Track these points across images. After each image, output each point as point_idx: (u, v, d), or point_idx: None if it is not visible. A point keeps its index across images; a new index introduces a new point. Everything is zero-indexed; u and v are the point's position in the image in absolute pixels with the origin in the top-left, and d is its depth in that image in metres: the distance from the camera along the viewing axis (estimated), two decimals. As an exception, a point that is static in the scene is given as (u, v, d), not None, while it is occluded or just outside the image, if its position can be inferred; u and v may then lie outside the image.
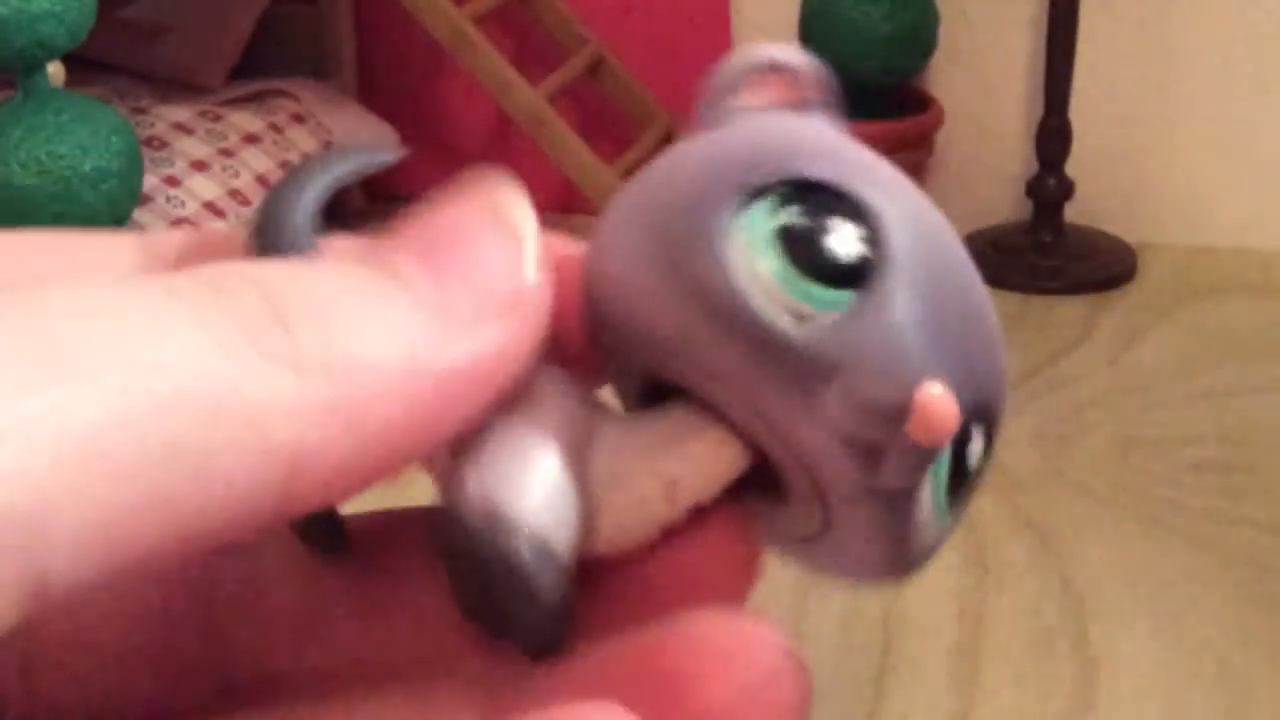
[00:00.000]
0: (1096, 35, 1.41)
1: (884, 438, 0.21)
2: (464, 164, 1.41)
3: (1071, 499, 1.02)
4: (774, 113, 0.24)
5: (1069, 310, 1.31)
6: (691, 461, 0.22)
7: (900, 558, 0.23)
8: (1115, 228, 1.44)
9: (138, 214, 1.26)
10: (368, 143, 0.27)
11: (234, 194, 1.37)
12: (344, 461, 0.19)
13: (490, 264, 0.21)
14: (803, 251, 0.21)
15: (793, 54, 0.23)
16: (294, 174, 0.24)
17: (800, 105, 0.24)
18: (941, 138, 1.46)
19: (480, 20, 1.35)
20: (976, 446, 0.23)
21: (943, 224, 0.24)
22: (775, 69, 0.24)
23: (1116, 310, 1.31)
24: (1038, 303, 1.33)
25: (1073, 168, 1.40)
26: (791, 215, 0.21)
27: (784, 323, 0.21)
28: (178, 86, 1.50)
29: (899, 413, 0.21)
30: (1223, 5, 1.40)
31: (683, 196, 0.22)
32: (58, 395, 0.17)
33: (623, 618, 0.22)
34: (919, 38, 1.39)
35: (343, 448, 0.19)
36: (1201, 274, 1.38)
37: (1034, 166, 1.41)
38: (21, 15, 1.11)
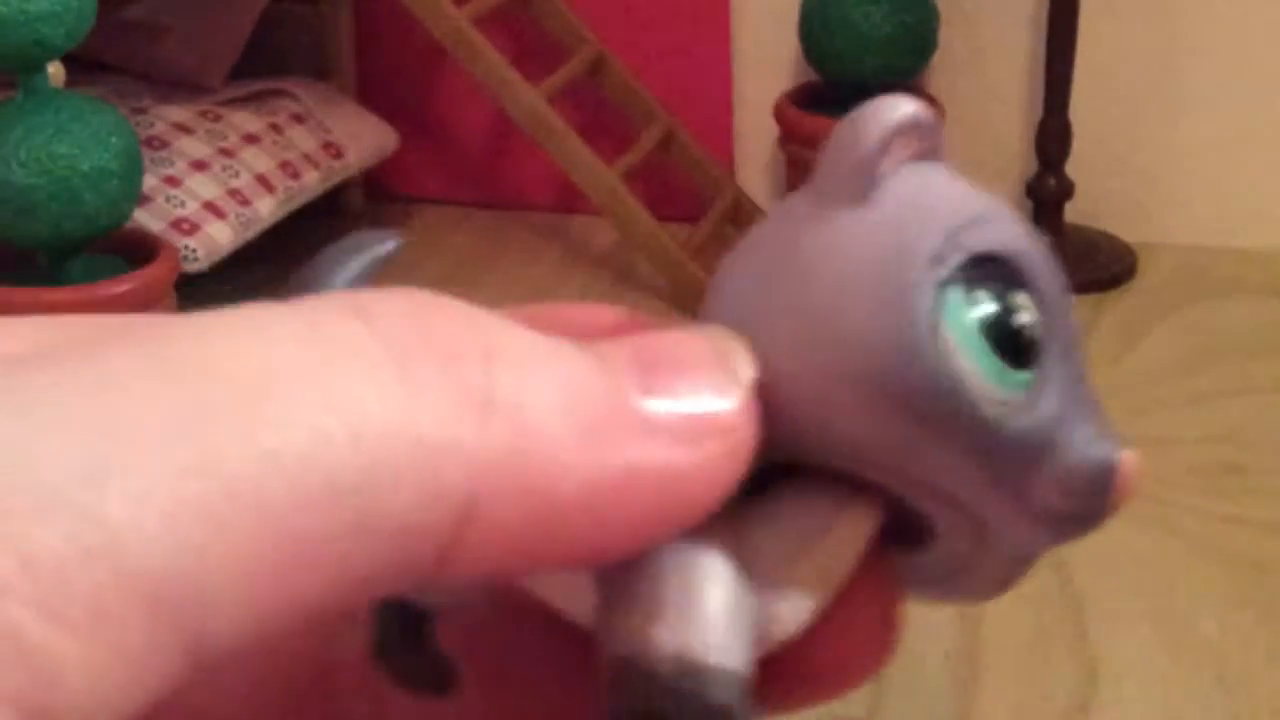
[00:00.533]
0: (1097, 36, 1.41)
1: (1087, 507, 0.21)
2: (464, 164, 1.40)
3: (1071, 499, 1.02)
4: (915, 172, 0.23)
5: (1069, 310, 1.31)
6: (844, 545, 0.22)
7: (1011, 584, 0.23)
8: (1115, 228, 1.44)
9: (138, 214, 1.26)
10: (368, 237, 0.26)
11: (234, 193, 1.37)
12: (510, 526, 0.18)
13: (703, 389, 0.19)
14: (1007, 343, 0.21)
15: (923, 107, 0.22)
16: (312, 272, 0.23)
17: (928, 156, 0.23)
18: (942, 138, 1.46)
19: (480, 20, 1.35)
20: None
21: (1045, 251, 0.23)
22: (916, 126, 0.23)
23: (1117, 310, 1.31)
24: (1038, 303, 1.33)
25: (1073, 168, 1.40)
26: (983, 302, 0.21)
27: (996, 414, 0.20)
28: (178, 86, 1.50)
29: (1107, 483, 0.21)
30: (1223, 6, 1.40)
31: (869, 296, 0.20)
32: (210, 444, 0.16)
33: (783, 696, 0.22)
34: (919, 38, 1.39)
35: (512, 509, 0.18)
36: (1201, 274, 1.38)
37: (1034, 166, 1.41)
38: (22, 15, 1.11)
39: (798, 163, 1.43)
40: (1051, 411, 0.21)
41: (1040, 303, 0.21)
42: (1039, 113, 1.40)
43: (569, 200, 1.50)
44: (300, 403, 0.17)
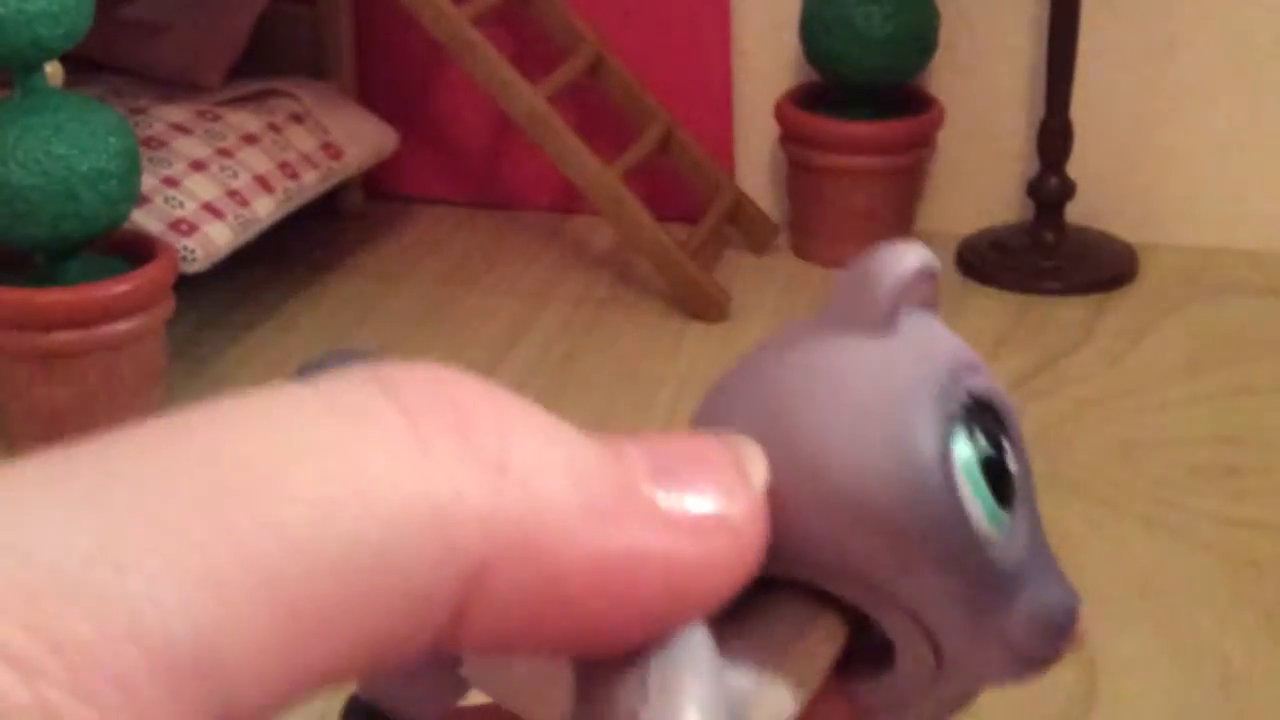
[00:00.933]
0: (1098, 36, 1.40)
1: (1047, 648, 0.22)
2: (463, 164, 1.40)
3: (1072, 499, 1.02)
4: (920, 317, 0.24)
5: (1070, 311, 1.31)
6: (815, 658, 0.22)
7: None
8: (1116, 228, 1.44)
9: (136, 214, 1.26)
10: (356, 350, 0.26)
11: (233, 194, 1.36)
12: (519, 592, 0.18)
13: (715, 488, 0.20)
14: (1002, 483, 0.21)
15: (931, 255, 0.23)
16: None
17: (929, 302, 0.24)
18: (943, 138, 1.45)
19: (480, 20, 1.34)
20: None
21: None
22: (930, 274, 0.24)
23: (1118, 310, 1.31)
24: (1039, 303, 1.33)
25: (1074, 168, 1.40)
26: (980, 443, 0.21)
27: (988, 549, 0.21)
28: (176, 86, 1.50)
29: (1069, 627, 0.23)
30: (1223, 7, 1.39)
31: (883, 419, 0.21)
32: (223, 520, 0.17)
33: None
34: (920, 38, 1.39)
35: (521, 574, 0.18)
36: (1202, 274, 1.38)
37: (1035, 167, 1.41)
38: (20, 15, 1.11)
39: (798, 163, 1.43)
40: (1024, 553, 0.22)
41: (1015, 450, 0.22)
42: (1040, 113, 1.40)
43: (568, 200, 1.50)
44: (315, 473, 0.17)
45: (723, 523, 0.19)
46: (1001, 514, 0.21)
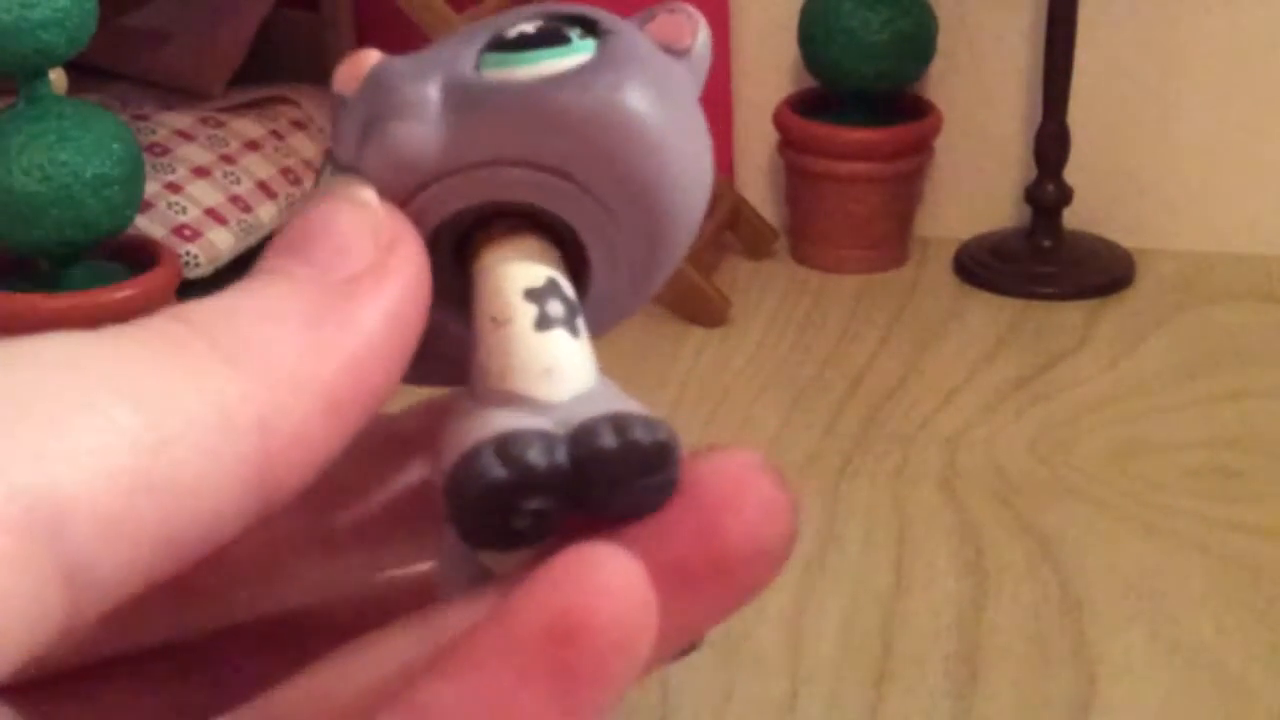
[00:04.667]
0: (1095, 41, 1.41)
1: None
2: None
3: (1070, 504, 1.02)
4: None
5: (1067, 316, 1.32)
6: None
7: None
8: (1113, 233, 1.45)
9: (139, 220, 1.27)
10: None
11: (235, 200, 1.37)
12: (305, 423, 0.22)
13: (350, 243, 0.24)
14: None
15: None
16: None
17: None
18: (940, 144, 1.46)
19: (481, 27, 1.35)
20: None
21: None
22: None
23: (1115, 316, 1.32)
24: (1036, 308, 1.33)
25: (1071, 173, 1.40)
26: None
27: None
28: (179, 93, 1.51)
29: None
30: (1221, 12, 1.40)
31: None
32: (62, 423, 0.20)
33: None
34: (918, 44, 1.39)
35: (298, 411, 0.22)
36: (1199, 279, 1.38)
37: (1033, 172, 1.42)
38: (23, 23, 1.11)
39: (796, 169, 1.43)
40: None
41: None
42: (1037, 119, 1.40)
43: (569, 206, 1.50)
44: (123, 397, 0.21)
45: (377, 269, 0.24)
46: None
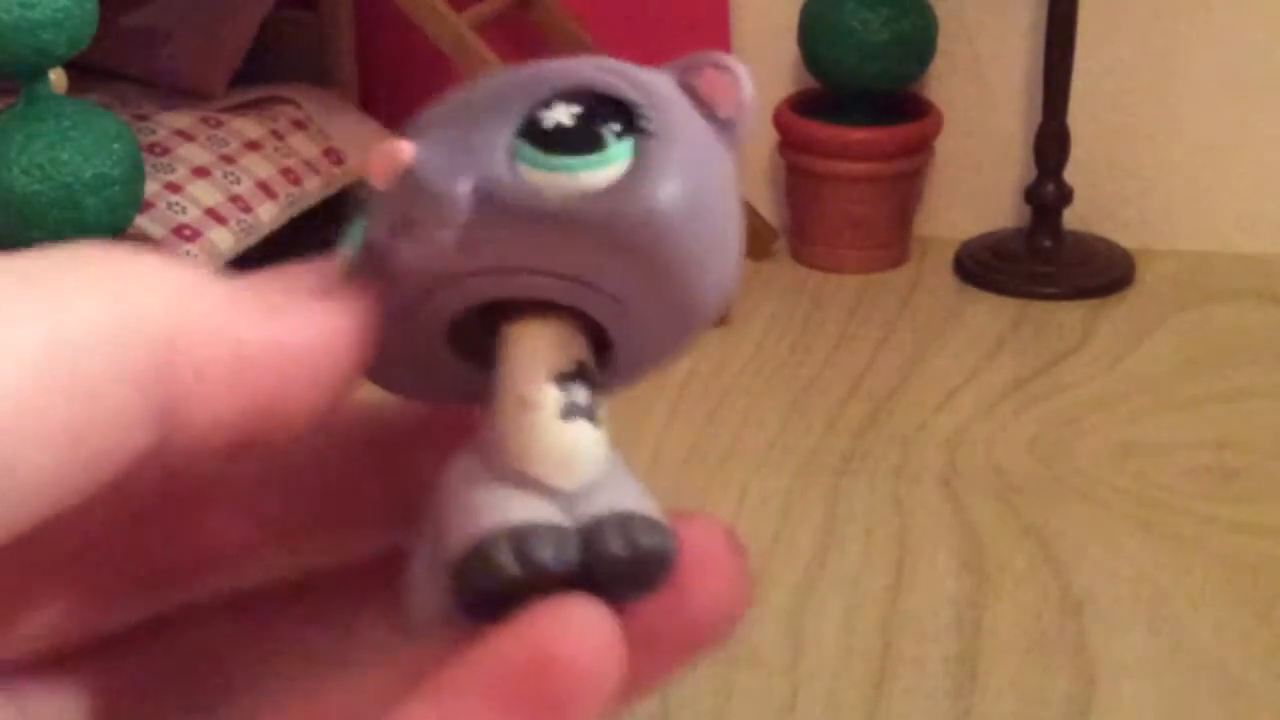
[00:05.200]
0: (1095, 42, 1.41)
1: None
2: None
3: (1070, 504, 1.02)
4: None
5: (1067, 315, 1.32)
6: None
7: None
8: (1113, 233, 1.45)
9: (139, 220, 1.27)
10: None
11: (235, 200, 1.37)
12: (215, 371, 0.23)
13: (303, 324, 0.24)
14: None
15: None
16: None
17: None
18: (941, 144, 1.46)
19: (480, 26, 1.35)
20: None
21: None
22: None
23: (1114, 315, 1.32)
24: (1036, 308, 1.33)
25: (1071, 174, 1.40)
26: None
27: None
28: (179, 93, 1.51)
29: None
30: (1220, 12, 1.40)
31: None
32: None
33: None
34: (918, 44, 1.39)
35: (210, 355, 0.23)
36: (1199, 279, 1.38)
37: (1033, 172, 1.42)
38: (24, 23, 1.11)
39: (796, 169, 1.43)
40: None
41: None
42: (1038, 119, 1.40)
43: (569, 206, 1.50)
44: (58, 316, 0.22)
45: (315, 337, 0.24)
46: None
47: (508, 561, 0.22)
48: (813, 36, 1.40)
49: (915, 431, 1.11)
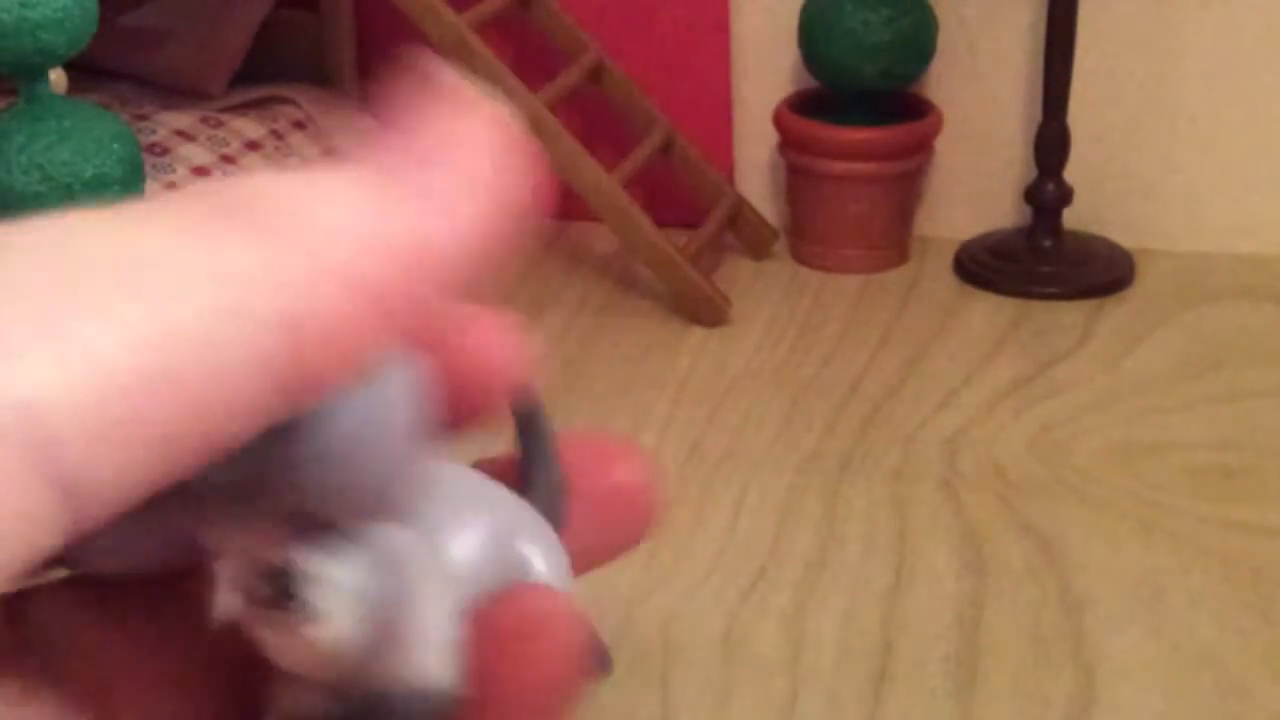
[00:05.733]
0: (1095, 41, 1.41)
1: None
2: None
3: (1070, 504, 1.02)
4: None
5: (1067, 315, 1.32)
6: None
7: None
8: (1114, 233, 1.45)
9: (139, 220, 1.27)
10: None
11: (235, 200, 1.37)
12: (338, 317, 0.20)
13: (461, 160, 0.23)
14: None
15: None
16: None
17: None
18: (941, 144, 1.46)
19: (480, 27, 1.35)
20: None
21: None
22: None
23: (1115, 315, 1.32)
24: (1036, 308, 1.33)
25: (1071, 174, 1.40)
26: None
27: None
28: (179, 93, 1.50)
29: None
30: (1221, 12, 1.40)
31: None
32: (51, 319, 0.18)
33: None
34: (918, 44, 1.39)
35: (332, 305, 0.20)
36: (1200, 279, 1.38)
37: (1033, 172, 1.42)
38: (23, 22, 1.11)
39: (797, 169, 1.43)
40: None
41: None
42: (1037, 119, 1.40)
43: (569, 206, 1.50)
44: (133, 283, 0.19)
45: (476, 184, 0.23)
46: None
47: None
48: (813, 36, 1.40)
49: (915, 431, 1.11)
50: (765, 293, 1.37)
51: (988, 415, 1.14)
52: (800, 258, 1.44)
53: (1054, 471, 1.06)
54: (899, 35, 1.37)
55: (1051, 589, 0.93)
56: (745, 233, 1.45)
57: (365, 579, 0.23)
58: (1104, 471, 1.06)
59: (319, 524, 0.23)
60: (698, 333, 1.28)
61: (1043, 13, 1.39)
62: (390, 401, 0.22)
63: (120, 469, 0.19)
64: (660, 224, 1.33)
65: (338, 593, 0.23)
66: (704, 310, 1.30)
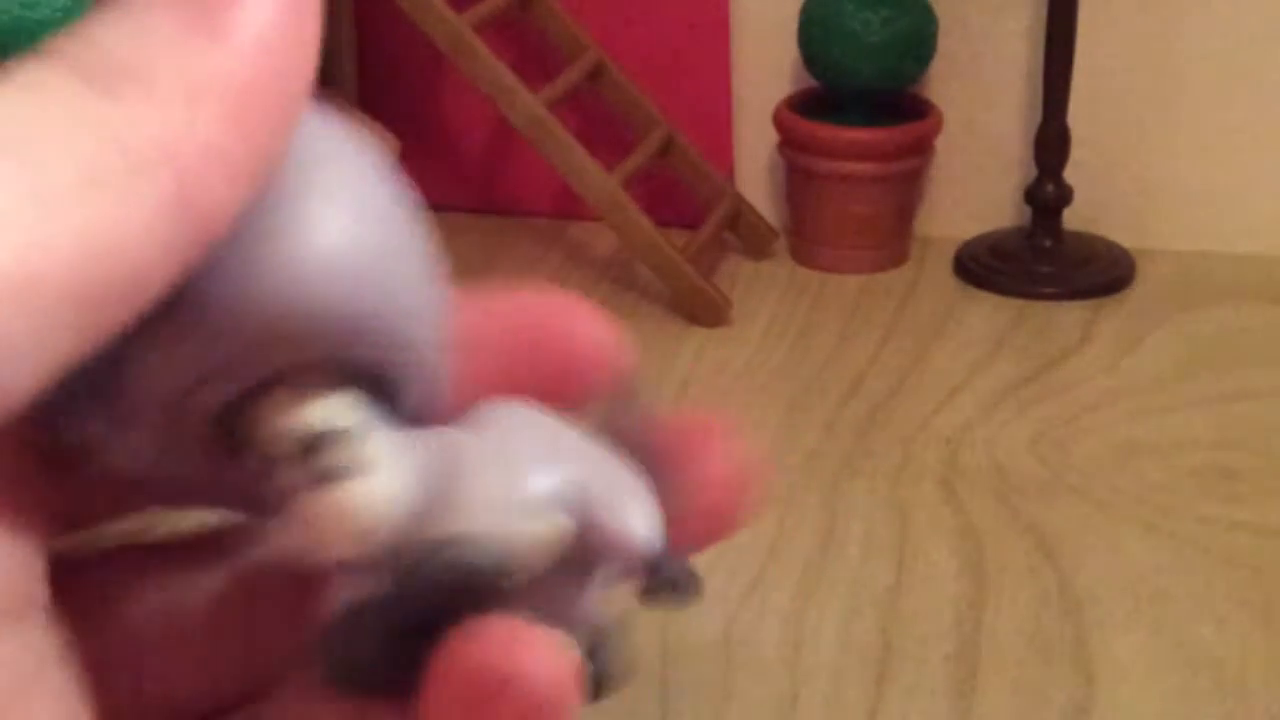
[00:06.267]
0: (1095, 41, 1.41)
1: None
2: (464, 170, 1.41)
3: (1070, 504, 1.02)
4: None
5: (1067, 316, 1.32)
6: None
7: None
8: (1114, 233, 1.45)
9: (139, 220, 1.27)
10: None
11: (235, 200, 1.37)
12: (214, 134, 0.21)
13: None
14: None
15: None
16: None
17: None
18: (940, 144, 1.46)
19: (480, 27, 1.35)
20: None
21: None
22: None
23: (1115, 316, 1.32)
24: (1036, 308, 1.33)
25: (1071, 174, 1.40)
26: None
27: None
28: (179, 93, 1.50)
29: None
30: (1222, 12, 1.40)
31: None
32: None
33: None
34: (918, 44, 1.39)
35: (200, 124, 0.21)
36: (1200, 279, 1.38)
37: (1033, 172, 1.42)
38: (23, 24, 1.11)
39: (797, 169, 1.43)
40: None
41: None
42: (1038, 119, 1.40)
43: (569, 206, 1.50)
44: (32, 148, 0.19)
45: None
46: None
47: (336, 672, 0.22)
48: (813, 36, 1.40)
49: (916, 431, 1.11)
50: (765, 292, 1.37)
51: (988, 415, 1.14)
52: (800, 258, 1.44)
53: (1054, 471, 1.06)
54: (899, 35, 1.37)
55: (1052, 589, 0.93)
56: (745, 233, 1.45)
57: (417, 448, 0.23)
58: (1105, 471, 1.06)
59: (355, 382, 0.23)
60: (698, 332, 1.28)
61: (1043, 13, 1.39)
62: (336, 195, 0.22)
63: (41, 330, 0.19)
64: (660, 224, 1.33)
65: (389, 448, 0.23)
66: (704, 310, 1.29)
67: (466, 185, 1.59)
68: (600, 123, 1.48)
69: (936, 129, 1.44)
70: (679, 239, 1.34)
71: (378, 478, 0.23)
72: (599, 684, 0.24)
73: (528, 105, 1.32)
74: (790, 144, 1.43)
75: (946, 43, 1.43)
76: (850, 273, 1.41)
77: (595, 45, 1.45)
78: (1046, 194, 1.40)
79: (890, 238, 1.43)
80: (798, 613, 0.90)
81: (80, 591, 0.24)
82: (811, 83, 1.46)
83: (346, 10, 1.55)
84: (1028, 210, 1.43)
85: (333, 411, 0.23)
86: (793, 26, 1.43)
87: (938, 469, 1.06)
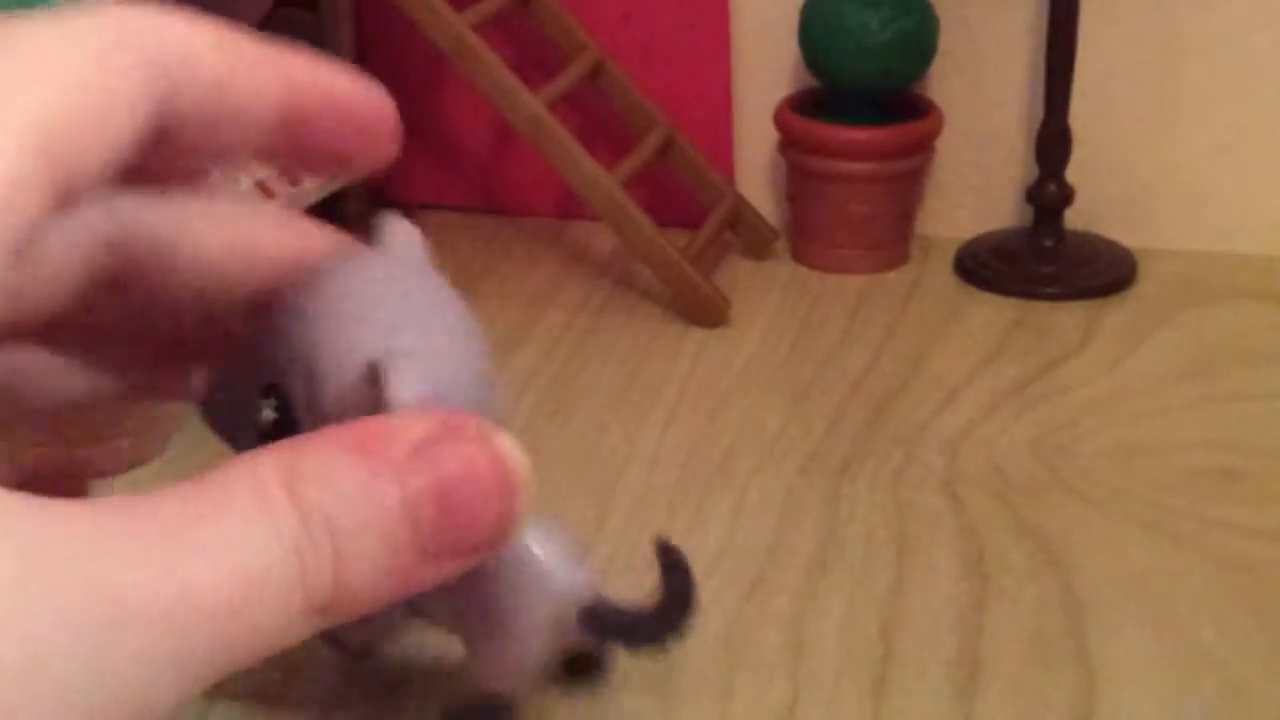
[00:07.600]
0: (1097, 41, 1.41)
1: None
2: (463, 170, 1.41)
3: (1071, 506, 1.02)
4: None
5: (1069, 316, 1.32)
6: None
7: None
8: (1115, 233, 1.44)
9: (138, 220, 1.26)
10: None
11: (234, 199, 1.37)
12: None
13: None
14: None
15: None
16: None
17: None
18: (942, 144, 1.46)
19: (480, 27, 1.35)
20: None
21: None
22: None
23: (1117, 316, 1.32)
24: (1038, 308, 1.33)
25: (1073, 174, 1.40)
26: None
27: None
28: (178, 92, 1.50)
29: None
30: (1223, 11, 1.40)
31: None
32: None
33: None
34: (919, 44, 1.39)
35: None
36: (1202, 280, 1.38)
37: (1034, 172, 1.41)
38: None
39: (797, 169, 1.43)
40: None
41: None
42: (1039, 118, 1.40)
43: (569, 206, 1.50)
44: None
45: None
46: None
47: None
48: (813, 36, 1.40)
49: (916, 432, 1.11)
50: (766, 293, 1.37)
51: (989, 416, 1.14)
52: (800, 258, 1.44)
53: (1055, 472, 1.06)
54: (899, 35, 1.37)
55: (1053, 590, 0.92)
56: (745, 233, 1.45)
57: None
58: (1106, 473, 1.06)
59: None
60: (698, 333, 1.28)
61: (1044, 12, 1.39)
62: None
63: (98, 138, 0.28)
64: (661, 224, 1.33)
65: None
66: (704, 310, 1.29)
67: (466, 185, 1.59)
68: (600, 123, 1.48)
69: (937, 128, 1.43)
70: (679, 239, 1.34)
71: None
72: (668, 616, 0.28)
73: (527, 105, 1.32)
74: (791, 144, 1.43)
75: (948, 42, 1.43)
76: (851, 273, 1.41)
77: (594, 45, 1.45)
78: (1048, 194, 1.40)
79: (891, 238, 1.43)
80: (798, 614, 0.89)
81: None
82: (812, 82, 1.46)
83: (347, 10, 1.55)
84: (1029, 210, 1.42)
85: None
86: (793, 26, 1.43)
87: (938, 470, 1.06)
